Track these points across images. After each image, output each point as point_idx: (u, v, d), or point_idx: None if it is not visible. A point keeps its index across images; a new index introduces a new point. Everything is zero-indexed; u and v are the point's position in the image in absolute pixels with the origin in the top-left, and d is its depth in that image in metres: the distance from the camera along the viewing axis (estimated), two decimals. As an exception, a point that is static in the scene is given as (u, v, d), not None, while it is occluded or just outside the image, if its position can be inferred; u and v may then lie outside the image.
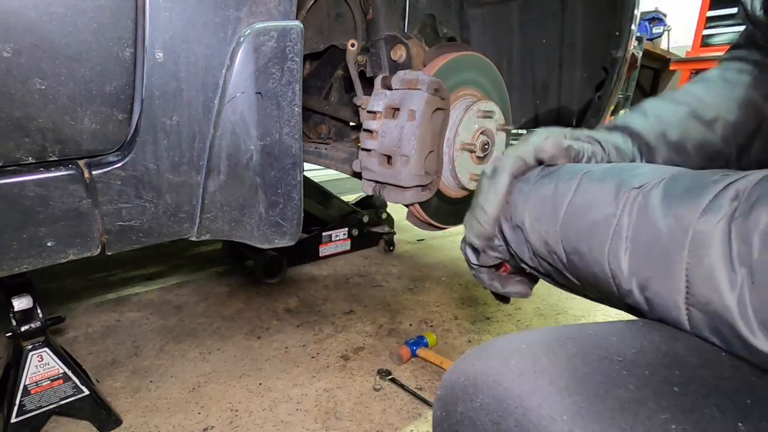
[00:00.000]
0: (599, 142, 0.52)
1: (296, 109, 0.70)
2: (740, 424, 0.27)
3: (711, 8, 3.05)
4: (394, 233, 2.32)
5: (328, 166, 1.21)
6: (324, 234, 2.12)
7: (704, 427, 0.27)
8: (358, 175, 0.98)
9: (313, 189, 2.18)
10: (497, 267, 0.57)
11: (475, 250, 0.53)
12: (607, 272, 0.37)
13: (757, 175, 0.31)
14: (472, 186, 0.98)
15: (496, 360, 0.36)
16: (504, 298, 0.61)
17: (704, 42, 3.10)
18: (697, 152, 0.56)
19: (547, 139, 0.48)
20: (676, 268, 0.32)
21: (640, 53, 3.25)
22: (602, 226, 0.37)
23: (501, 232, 0.49)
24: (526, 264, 0.48)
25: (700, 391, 0.29)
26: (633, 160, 0.54)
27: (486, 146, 0.96)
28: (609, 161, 0.51)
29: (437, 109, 0.85)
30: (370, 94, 0.91)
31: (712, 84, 0.61)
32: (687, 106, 0.58)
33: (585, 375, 0.31)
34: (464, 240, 0.56)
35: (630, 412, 0.28)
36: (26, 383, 0.95)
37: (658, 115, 0.57)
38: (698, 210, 0.31)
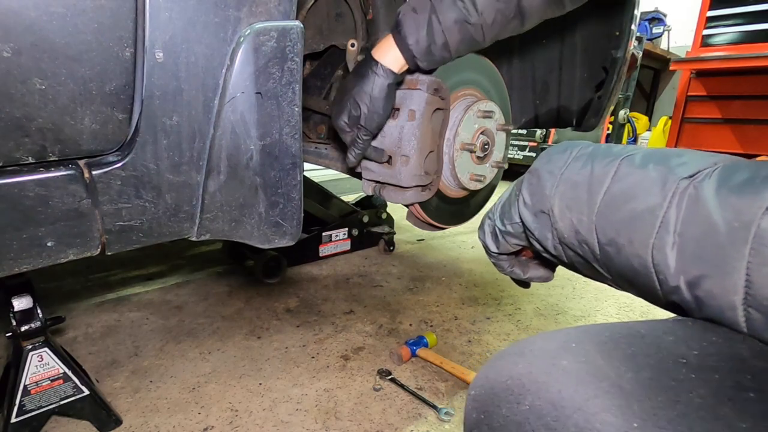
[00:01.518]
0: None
1: (296, 109, 0.70)
2: None
3: (711, 8, 3.05)
4: (394, 233, 2.32)
5: (328, 166, 1.21)
6: (324, 234, 2.12)
7: None
8: (358, 175, 0.98)
9: (313, 189, 2.17)
10: (517, 253, 0.55)
11: (495, 237, 0.52)
12: (649, 267, 0.35)
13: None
14: (472, 186, 0.98)
15: (543, 359, 0.33)
16: (525, 284, 0.60)
17: (704, 42, 3.10)
18: None
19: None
20: (736, 266, 0.30)
21: (640, 53, 3.26)
22: (647, 217, 0.34)
23: (521, 217, 0.47)
24: (548, 252, 0.45)
25: None
26: None
27: (486, 146, 0.96)
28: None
29: (437, 109, 0.85)
30: (370, 94, 0.91)
31: None
32: None
33: (650, 378, 0.29)
34: (481, 227, 0.55)
35: (706, 420, 0.26)
36: (26, 383, 0.95)
37: None
38: (763, 204, 0.29)
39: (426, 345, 1.36)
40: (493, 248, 0.53)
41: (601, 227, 0.38)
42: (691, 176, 0.34)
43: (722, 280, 0.31)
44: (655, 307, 0.38)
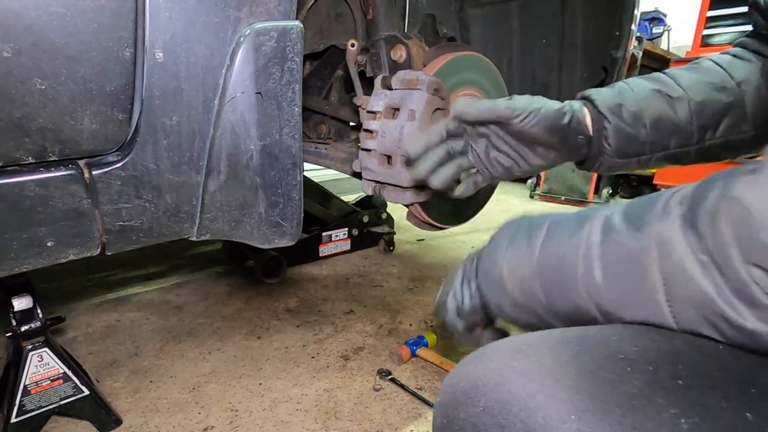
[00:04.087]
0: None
1: (296, 109, 0.70)
2: (748, 414, 0.27)
3: (711, 8, 3.05)
4: (394, 233, 2.32)
5: (328, 166, 1.21)
6: (324, 234, 2.12)
7: (713, 419, 0.27)
8: (358, 175, 0.98)
9: (313, 189, 2.17)
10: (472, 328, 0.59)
11: (459, 315, 0.55)
12: (584, 297, 0.38)
13: (693, 184, 0.34)
14: (472, 186, 0.98)
15: (497, 361, 0.35)
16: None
17: (704, 42, 3.09)
18: (653, 125, 0.60)
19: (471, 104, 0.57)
20: (651, 269, 0.33)
21: (640, 53, 3.25)
22: (572, 252, 0.39)
23: (479, 289, 0.51)
24: (506, 315, 0.49)
25: (705, 384, 0.29)
26: (573, 123, 0.59)
27: (486, 146, 0.96)
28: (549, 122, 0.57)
29: (437, 109, 0.85)
30: (370, 94, 0.91)
31: (694, 67, 0.65)
32: (658, 84, 0.63)
33: (591, 373, 0.31)
34: (443, 312, 0.57)
35: (639, 408, 0.28)
36: (26, 383, 0.95)
37: (624, 89, 0.62)
38: (655, 217, 0.34)
39: (426, 345, 1.36)
40: (460, 327, 0.56)
41: (541, 275, 0.42)
42: (601, 215, 0.40)
43: (644, 285, 0.34)
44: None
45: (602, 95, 0.61)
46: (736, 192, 0.29)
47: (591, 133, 0.61)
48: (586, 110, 0.61)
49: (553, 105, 0.59)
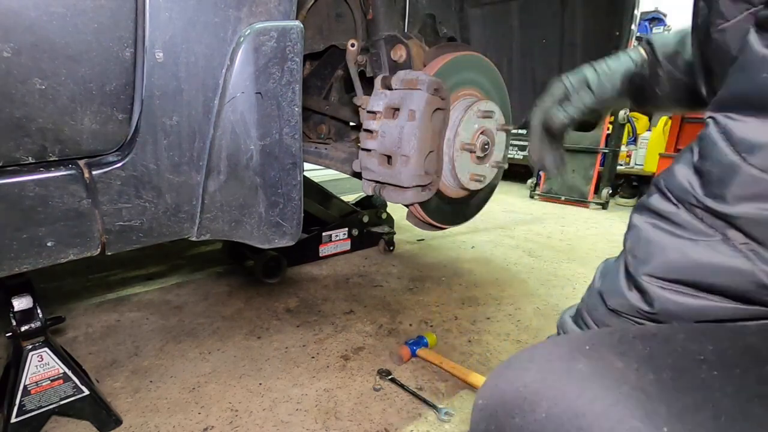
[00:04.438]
0: (595, 70, 0.77)
1: (296, 109, 0.70)
2: None
3: (711, 8, 3.05)
4: (394, 233, 2.32)
5: (328, 166, 1.21)
6: (324, 234, 2.12)
7: None
8: (358, 175, 0.98)
9: (313, 189, 2.17)
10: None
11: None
12: None
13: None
14: (472, 186, 0.98)
15: (556, 364, 0.33)
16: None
17: (704, 42, 3.10)
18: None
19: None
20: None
21: (640, 53, 3.25)
22: None
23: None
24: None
25: None
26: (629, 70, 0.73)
27: (486, 146, 0.96)
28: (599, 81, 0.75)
29: (437, 109, 0.85)
30: (370, 94, 0.91)
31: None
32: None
33: (671, 379, 0.29)
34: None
35: (738, 420, 0.25)
36: (26, 383, 0.95)
37: (687, 36, 0.67)
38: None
39: (426, 345, 1.36)
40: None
41: None
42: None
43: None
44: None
45: (663, 41, 0.67)
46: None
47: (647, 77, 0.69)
48: (642, 52, 0.69)
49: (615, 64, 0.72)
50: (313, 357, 1.36)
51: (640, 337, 0.34)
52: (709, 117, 0.37)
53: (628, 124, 3.81)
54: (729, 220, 0.35)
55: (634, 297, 0.41)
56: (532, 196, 3.88)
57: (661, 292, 0.39)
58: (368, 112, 0.89)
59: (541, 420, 0.30)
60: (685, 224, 0.38)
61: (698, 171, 0.37)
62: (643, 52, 0.70)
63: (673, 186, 0.39)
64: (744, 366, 0.30)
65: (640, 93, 0.71)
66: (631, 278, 0.42)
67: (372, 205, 2.31)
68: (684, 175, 0.39)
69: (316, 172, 3.23)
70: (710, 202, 0.36)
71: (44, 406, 0.98)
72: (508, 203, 3.68)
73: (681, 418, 0.26)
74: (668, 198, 0.40)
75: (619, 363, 0.30)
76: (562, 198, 3.68)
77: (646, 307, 0.40)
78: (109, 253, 0.64)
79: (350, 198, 2.39)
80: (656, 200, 0.41)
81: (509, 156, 2.26)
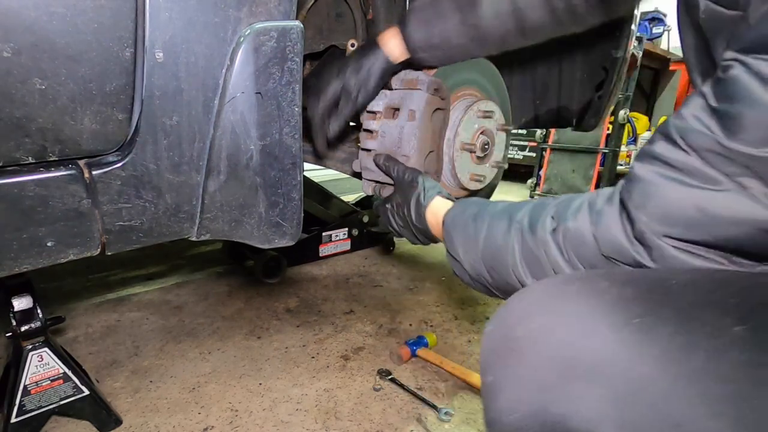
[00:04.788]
0: None
1: (296, 109, 0.70)
2: None
3: (711, 8, 3.04)
4: (394, 233, 2.32)
5: (328, 166, 1.21)
6: (324, 234, 2.12)
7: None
8: (358, 175, 0.98)
9: (313, 189, 2.17)
10: None
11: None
12: (516, 281, 0.54)
13: (564, 202, 0.50)
14: (472, 186, 0.98)
15: (552, 287, 0.41)
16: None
17: (704, 42, 3.09)
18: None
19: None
20: (546, 264, 0.50)
21: (640, 53, 3.25)
22: (503, 251, 0.55)
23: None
24: (466, 282, 0.65)
25: (759, 302, 0.34)
26: None
27: (486, 146, 0.96)
28: None
29: (437, 109, 0.85)
30: (370, 94, 0.91)
31: None
32: None
33: (647, 291, 0.36)
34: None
35: (695, 316, 0.32)
36: (26, 383, 0.95)
37: None
38: (539, 228, 0.51)
39: (426, 345, 1.36)
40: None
41: (486, 261, 0.58)
42: (519, 219, 0.54)
43: (545, 274, 0.51)
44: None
45: None
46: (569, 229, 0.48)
47: None
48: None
49: None
50: (313, 357, 1.36)
51: (622, 273, 0.42)
52: (733, 60, 0.36)
53: (628, 124, 3.81)
54: (751, 166, 0.34)
55: (637, 250, 0.41)
56: (532, 196, 3.88)
57: (671, 251, 0.39)
58: (368, 112, 0.89)
59: (536, 328, 0.38)
60: (696, 172, 0.37)
61: (718, 114, 0.36)
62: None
63: (686, 131, 0.38)
64: (706, 286, 0.36)
65: None
66: (635, 232, 0.41)
67: (372, 205, 2.31)
68: (698, 119, 0.37)
69: (316, 172, 3.23)
70: (734, 145, 0.35)
71: (44, 406, 0.98)
72: (508, 203, 3.68)
73: (650, 311, 0.34)
74: (678, 145, 0.38)
75: (604, 283, 0.38)
76: (562, 198, 3.67)
77: (648, 263, 0.41)
78: (109, 253, 0.64)
79: (350, 198, 2.39)
80: (663, 147, 0.40)
81: (509, 156, 2.25)
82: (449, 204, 0.73)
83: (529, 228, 0.52)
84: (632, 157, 3.97)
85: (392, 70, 0.83)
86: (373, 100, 0.88)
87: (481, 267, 0.59)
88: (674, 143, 0.39)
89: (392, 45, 0.81)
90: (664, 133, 0.40)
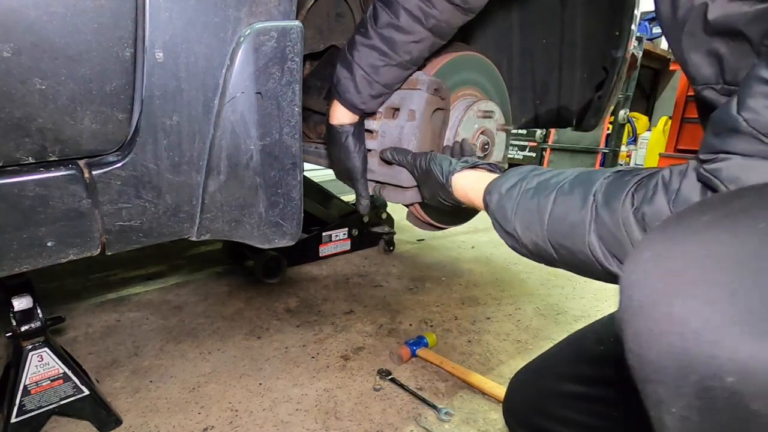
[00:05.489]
0: None
1: (296, 109, 0.70)
2: None
3: (711, 8, 3.04)
4: (394, 233, 2.32)
5: (328, 166, 1.21)
6: (324, 234, 2.12)
7: None
8: (358, 175, 0.97)
9: (313, 189, 2.17)
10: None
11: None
12: (590, 257, 0.51)
13: (644, 180, 0.48)
14: (472, 186, 0.98)
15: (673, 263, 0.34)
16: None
17: (704, 42, 3.09)
18: None
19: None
20: (627, 243, 0.47)
21: (640, 53, 3.26)
22: (579, 226, 0.51)
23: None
24: (524, 255, 0.63)
25: None
26: None
27: (486, 146, 0.96)
28: None
29: (437, 109, 0.85)
30: (370, 94, 0.91)
31: None
32: None
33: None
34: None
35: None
36: (26, 383, 0.95)
37: None
38: (619, 207, 0.48)
39: (426, 345, 1.36)
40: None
41: (552, 238, 0.55)
42: (594, 192, 0.51)
43: (624, 252, 0.48)
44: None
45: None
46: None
47: None
48: None
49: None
50: (313, 357, 1.36)
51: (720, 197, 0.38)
52: None
53: (628, 124, 3.81)
54: None
55: None
56: (532, 196, 3.87)
57: None
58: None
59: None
60: None
61: None
62: None
63: (760, 123, 0.37)
64: None
65: None
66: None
67: (372, 205, 2.30)
68: None
69: (316, 172, 3.23)
70: None
71: (44, 406, 0.98)
72: (508, 203, 3.68)
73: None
74: (759, 139, 0.37)
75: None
76: (562, 198, 3.68)
77: None
78: (109, 253, 0.64)
79: (350, 198, 2.39)
80: (738, 144, 0.38)
81: (509, 156, 2.25)
82: (487, 175, 0.70)
83: (606, 205, 0.49)
84: (631, 157, 3.97)
85: (357, 130, 0.86)
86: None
87: (546, 244, 0.56)
88: (755, 138, 0.38)
89: (341, 116, 0.84)
90: (739, 129, 0.39)
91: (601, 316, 0.80)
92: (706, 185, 0.41)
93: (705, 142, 0.42)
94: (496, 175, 0.68)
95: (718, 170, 0.40)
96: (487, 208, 0.65)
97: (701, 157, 0.42)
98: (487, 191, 0.65)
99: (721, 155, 0.40)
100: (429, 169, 0.77)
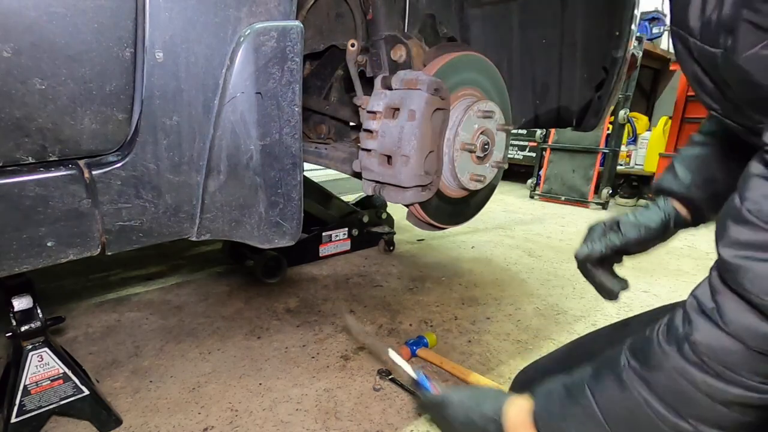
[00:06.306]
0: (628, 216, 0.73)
1: (296, 109, 0.70)
2: None
3: (711, 8, 3.04)
4: (394, 233, 2.32)
5: (328, 166, 1.21)
6: (324, 234, 2.12)
7: None
8: (358, 175, 0.98)
9: (313, 189, 2.17)
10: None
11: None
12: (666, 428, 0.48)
13: (664, 322, 0.49)
14: (472, 186, 0.98)
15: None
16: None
17: (704, 42, 3.09)
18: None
19: None
20: (691, 390, 0.46)
21: (640, 53, 3.25)
22: (632, 407, 0.49)
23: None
24: None
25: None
26: (663, 221, 0.73)
27: (486, 146, 0.96)
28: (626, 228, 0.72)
29: (437, 109, 0.85)
30: (370, 94, 0.91)
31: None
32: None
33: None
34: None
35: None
36: (26, 383, 0.95)
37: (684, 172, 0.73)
38: (665, 361, 0.47)
39: (426, 345, 1.36)
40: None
41: (618, 428, 0.52)
42: (624, 366, 0.51)
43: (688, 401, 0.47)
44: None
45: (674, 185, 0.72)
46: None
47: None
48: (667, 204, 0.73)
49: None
50: (313, 357, 1.36)
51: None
52: None
53: (628, 124, 3.81)
54: None
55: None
56: (532, 196, 3.88)
57: None
58: (368, 112, 0.89)
59: None
60: None
61: None
62: (676, 206, 0.73)
63: (762, 213, 0.40)
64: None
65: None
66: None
67: (372, 205, 2.31)
68: None
69: (316, 172, 3.23)
70: None
71: (44, 406, 0.98)
72: (508, 203, 3.69)
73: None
74: (760, 227, 0.40)
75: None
76: (562, 198, 3.68)
77: None
78: (109, 253, 0.64)
79: (350, 198, 2.39)
80: (743, 233, 0.41)
81: (509, 156, 2.25)
82: (522, 403, 0.62)
83: (645, 365, 0.48)
84: (632, 157, 3.96)
85: None
86: (374, 100, 0.88)
87: None
88: (754, 226, 0.40)
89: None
90: (737, 218, 0.42)
91: (613, 322, 0.80)
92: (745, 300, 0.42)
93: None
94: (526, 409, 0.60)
95: (739, 284, 0.41)
96: None
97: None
98: (535, 418, 0.58)
99: (730, 263, 0.42)
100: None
